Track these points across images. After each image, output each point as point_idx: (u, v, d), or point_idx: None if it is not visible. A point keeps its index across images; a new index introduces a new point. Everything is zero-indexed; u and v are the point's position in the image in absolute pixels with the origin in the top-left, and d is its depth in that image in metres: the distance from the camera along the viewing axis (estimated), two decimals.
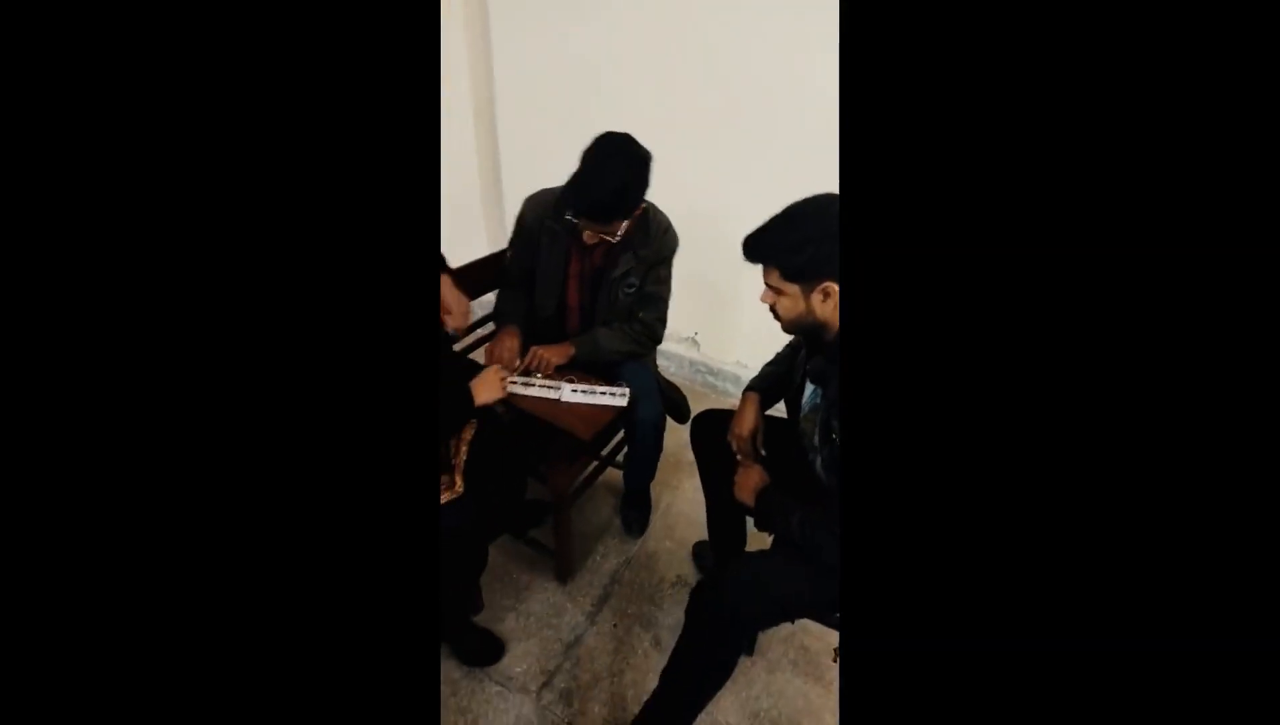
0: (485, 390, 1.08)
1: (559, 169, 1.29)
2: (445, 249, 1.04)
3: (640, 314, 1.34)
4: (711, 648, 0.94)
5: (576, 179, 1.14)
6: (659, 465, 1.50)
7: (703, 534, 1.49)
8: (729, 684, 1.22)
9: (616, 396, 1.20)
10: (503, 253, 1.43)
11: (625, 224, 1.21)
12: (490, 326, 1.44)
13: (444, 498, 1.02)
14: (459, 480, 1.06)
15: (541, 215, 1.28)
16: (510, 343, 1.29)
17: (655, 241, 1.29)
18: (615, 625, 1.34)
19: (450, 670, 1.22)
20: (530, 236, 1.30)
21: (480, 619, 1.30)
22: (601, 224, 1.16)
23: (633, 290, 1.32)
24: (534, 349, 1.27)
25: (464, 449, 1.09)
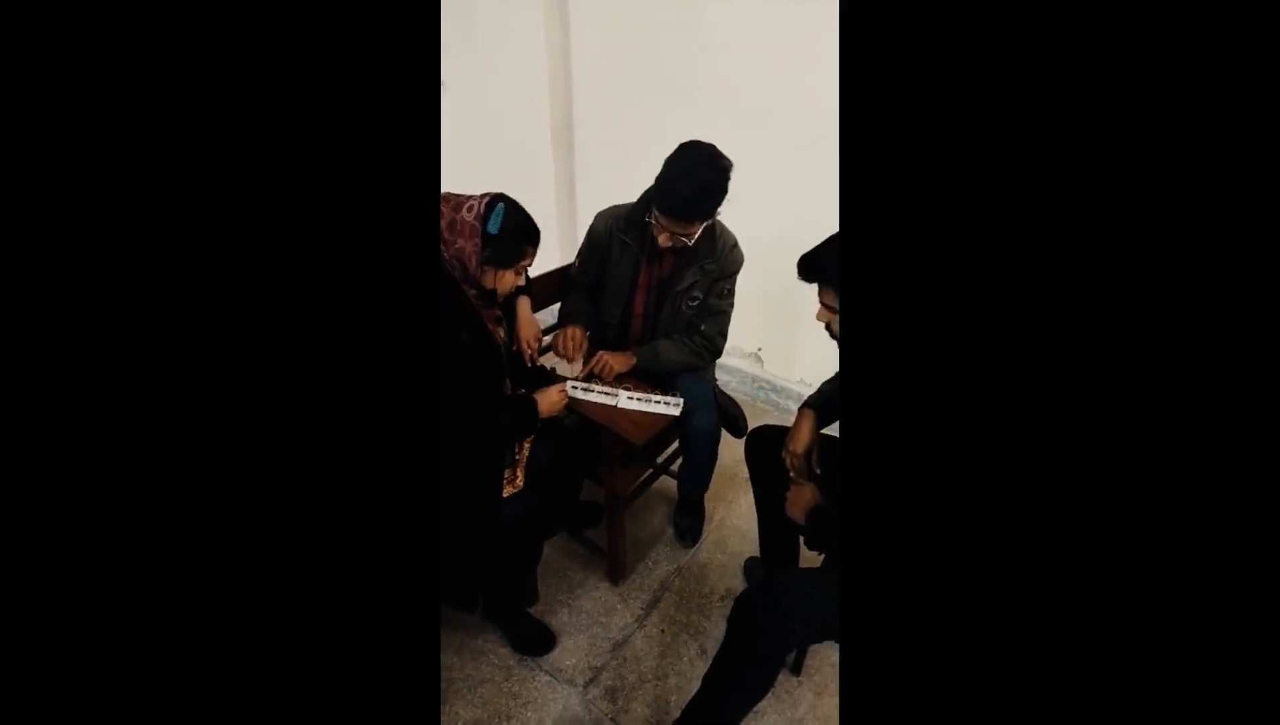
0: (549, 403, 1.16)
1: (628, 190, 1.36)
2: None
3: (703, 327, 1.38)
4: (752, 658, 0.95)
5: (661, 179, 1.21)
6: (713, 479, 1.52)
7: (755, 550, 1.49)
8: (774, 701, 1.22)
9: (670, 406, 1.24)
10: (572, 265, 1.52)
11: (700, 229, 1.25)
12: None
13: (506, 492, 1.10)
14: (520, 475, 1.13)
15: (613, 227, 1.36)
16: (575, 335, 1.35)
17: (721, 257, 1.33)
18: (663, 631, 1.37)
19: (505, 656, 1.30)
20: (601, 246, 1.38)
21: (534, 610, 1.37)
22: (682, 223, 1.21)
23: (696, 303, 1.36)
24: (600, 354, 1.34)
25: (526, 447, 1.17)
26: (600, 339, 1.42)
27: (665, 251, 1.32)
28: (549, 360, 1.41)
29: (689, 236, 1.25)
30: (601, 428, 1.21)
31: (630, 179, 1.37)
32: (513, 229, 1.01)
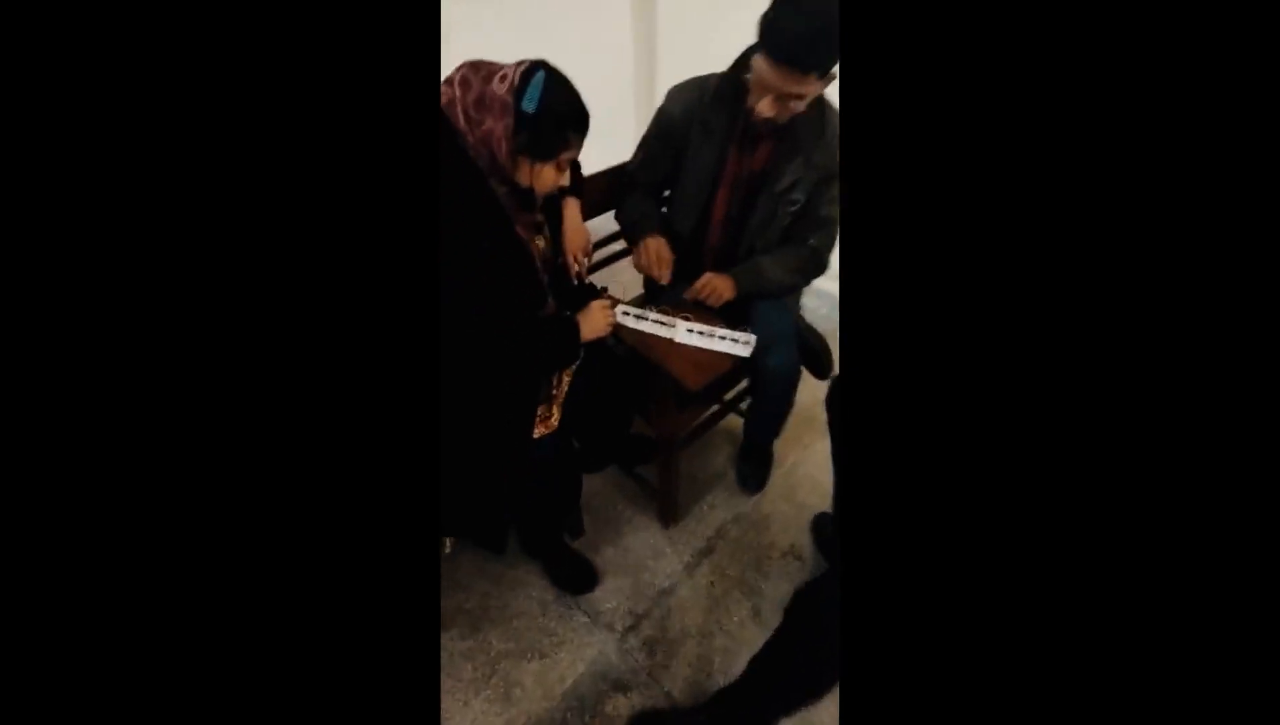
0: (592, 326, 0.97)
1: (723, 63, 1.05)
2: (589, 152, 0.90)
3: (811, 240, 1.10)
4: (809, 661, 0.80)
5: (770, 14, 0.90)
6: (788, 420, 1.32)
7: (827, 504, 1.30)
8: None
9: (739, 344, 1.01)
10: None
11: (815, 92, 0.94)
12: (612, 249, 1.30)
13: (537, 432, 0.95)
14: (556, 412, 0.98)
15: (693, 106, 1.06)
16: (662, 250, 1.10)
17: (833, 145, 1.02)
18: (713, 584, 1.25)
19: (544, 590, 1.23)
20: (675, 132, 1.09)
21: (577, 545, 1.28)
22: (795, 75, 0.89)
23: (795, 208, 1.07)
24: (708, 277, 1.09)
25: (566, 380, 1.01)
26: None
27: (762, 134, 1.02)
28: (601, 278, 1.20)
29: (801, 98, 0.93)
30: (652, 365, 1.01)
31: (722, 57, 1.05)
32: (554, 108, 0.79)
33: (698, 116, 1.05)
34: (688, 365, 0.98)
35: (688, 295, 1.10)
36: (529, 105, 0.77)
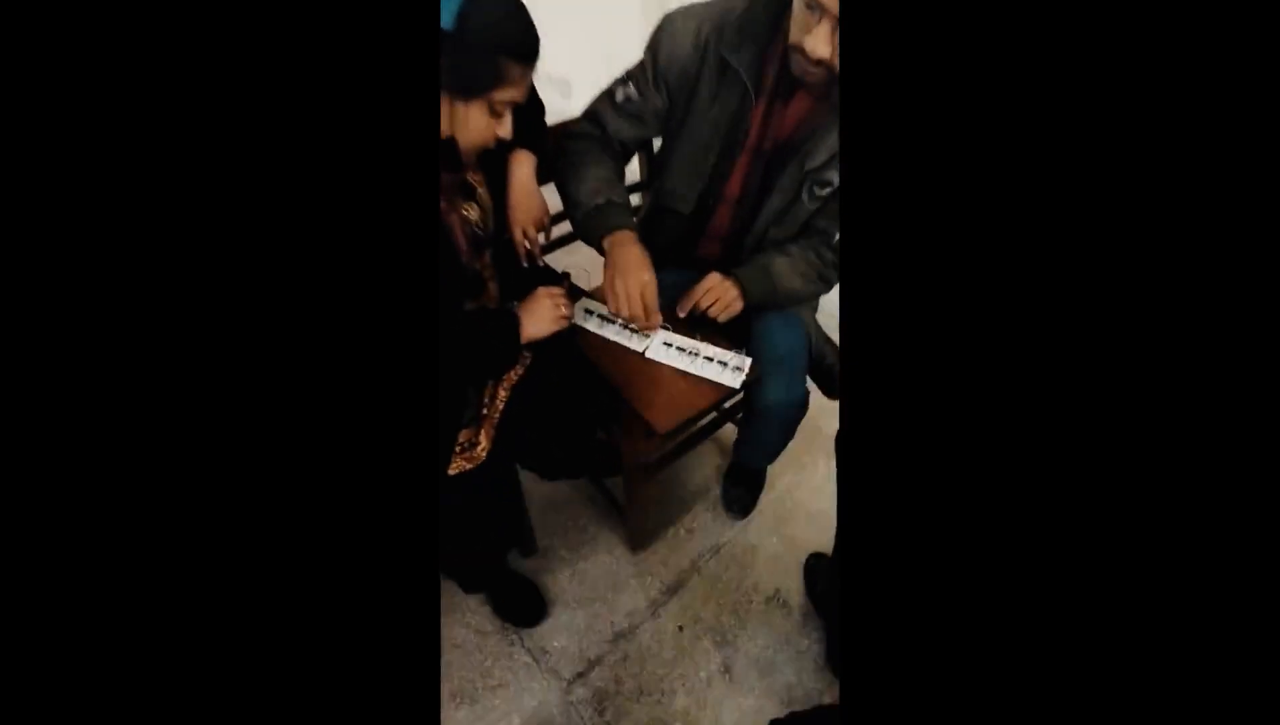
0: (537, 321, 0.74)
1: None
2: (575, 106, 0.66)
3: (836, 235, 0.84)
4: None
5: None
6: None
7: (825, 543, 1.10)
8: None
9: (728, 369, 0.78)
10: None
11: None
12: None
13: (455, 466, 0.74)
14: (485, 440, 0.76)
15: (709, 38, 0.77)
16: (646, 282, 0.78)
17: None
18: (680, 629, 1.06)
19: (484, 620, 1.06)
20: (679, 72, 0.80)
21: (531, 564, 1.11)
22: None
23: (826, 193, 0.81)
24: (713, 281, 0.82)
25: (501, 395, 0.79)
26: (656, 238, 0.90)
27: (802, 86, 0.75)
28: (561, 260, 0.95)
29: None
30: (614, 388, 0.78)
31: None
32: (483, 25, 0.56)
33: (713, 53, 0.77)
34: (658, 397, 0.76)
35: (683, 305, 0.84)
36: (445, 19, 0.54)
